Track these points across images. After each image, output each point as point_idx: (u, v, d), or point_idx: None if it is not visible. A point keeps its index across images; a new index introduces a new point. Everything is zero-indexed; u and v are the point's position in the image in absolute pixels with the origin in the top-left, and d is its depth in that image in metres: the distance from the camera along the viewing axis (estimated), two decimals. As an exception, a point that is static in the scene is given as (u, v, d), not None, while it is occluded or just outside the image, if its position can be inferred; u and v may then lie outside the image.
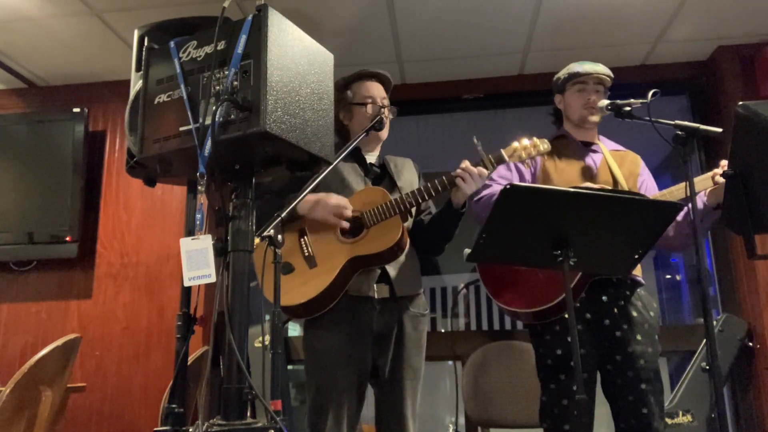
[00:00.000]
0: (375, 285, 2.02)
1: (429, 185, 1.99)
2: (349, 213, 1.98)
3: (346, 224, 1.99)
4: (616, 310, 2.05)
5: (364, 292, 2.00)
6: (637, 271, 2.13)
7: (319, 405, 1.96)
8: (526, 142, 2.03)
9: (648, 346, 2.02)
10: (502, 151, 2.03)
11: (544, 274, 2.04)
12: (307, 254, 1.99)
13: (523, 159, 2.02)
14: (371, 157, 2.22)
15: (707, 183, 2.01)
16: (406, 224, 2.08)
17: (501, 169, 2.24)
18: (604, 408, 2.07)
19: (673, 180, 2.26)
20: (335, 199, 1.99)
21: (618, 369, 2.01)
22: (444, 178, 1.99)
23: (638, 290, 2.11)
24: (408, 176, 2.22)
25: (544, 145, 2.04)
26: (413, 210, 2.13)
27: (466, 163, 1.98)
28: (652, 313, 2.08)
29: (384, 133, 2.19)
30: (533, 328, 2.15)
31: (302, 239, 2.03)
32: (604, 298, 2.06)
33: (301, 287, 1.95)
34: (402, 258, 2.04)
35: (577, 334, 2.01)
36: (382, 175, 2.20)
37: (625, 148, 2.33)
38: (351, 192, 2.07)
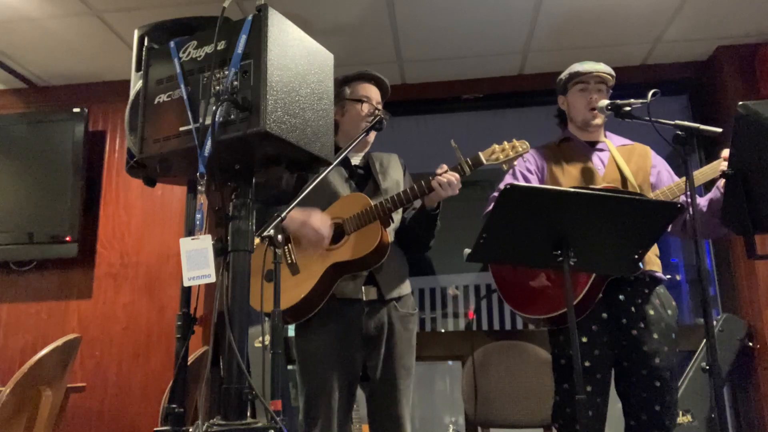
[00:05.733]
0: (363, 287, 2.03)
1: (408, 190, 2.00)
2: (326, 239, 1.98)
3: (325, 243, 2.00)
4: (633, 308, 2.05)
5: (352, 294, 2.02)
6: (657, 267, 2.13)
7: (311, 406, 1.98)
8: (504, 143, 2.02)
9: (664, 344, 2.02)
10: (480, 154, 2.02)
11: (559, 278, 2.05)
12: (290, 261, 2.01)
13: (501, 161, 2.00)
14: (356, 159, 2.22)
15: (715, 171, 2.00)
16: (391, 225, 2.10)
17: (508, 177, 2.24)
18: (613, 409, 2.07)
19: (672, 180, 2.25)
20: (316, 221, 1.98)
21: (633, 367, 2.02)
22: (422, 182, 2.00)
23: (657, 288, 2.11)
24: (393, 175, 2.22)
25: (522, 146, 2.02)
26: (398, 211, 2.13)
27: (444, 168, 1.97)
28: (670, 312, 2.08)
29: (372, 137, 2.19)
30: (550, 329, 2.16)
31: (285, 247, 2.04)
32: (621, 297, 2.06)
33: (285, 294, 1.96)
34: (388, 259, 2.04)
35: (592, 334, 2.03)
36: (366, 177, 2.20)
37: (632, 142, 2.32)
38: (336, 196, 2.08)
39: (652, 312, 2.05)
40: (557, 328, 2.10)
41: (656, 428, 1.98)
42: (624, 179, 2.15)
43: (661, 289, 2.12)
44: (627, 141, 2.31)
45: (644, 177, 2.20)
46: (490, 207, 2.23)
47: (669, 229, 2.11)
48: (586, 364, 1.99)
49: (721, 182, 1.99)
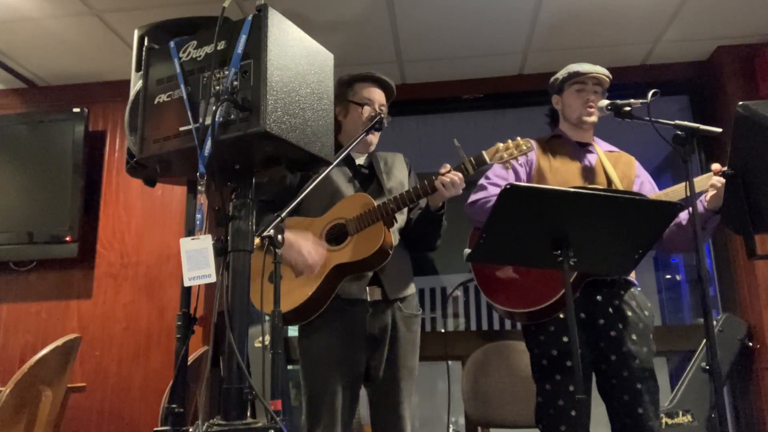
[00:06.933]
0: (367, 288, 2.03)
1: (411, 190, 1.99)
2: (315, 271, 1.97)
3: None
4: (610, 309, 2.05)
5: (356, 295, 2.01)
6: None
7: (314, 406, 1.97)
8: (509, 142, 2.01)
9: (643, 345, 2.02)
10: (484, 153, 2.01)
11: (539, 274, 2.04)
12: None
13: (505, 160, 1.99)
14: (360, 159, 2.22)
15: (704, 184, 2.00)
16: (397, 225, 2.10)
17: (497, 168, 2.23)
18: (602, 408, 2.07)
19: (673, 180, 2.25)
20: (308, 250, 1.97)
21: (613, 369, 2.01)
22: (426, 182, 1.99)
23: (632, 290, 2.11)
24: (398, 175, 2.21)
25: (527, 144, 2.01)
26: (403, 210, 2.13)
27: (447, 168, 1.97)
28: (646, 313, 2.08)
29: (376, 139, 2.19)
30: (527, 328, 2.15)
31: None
32: (599, 297, 2.06)
33: (288, 295, 1.96)
34: (393, 259, 2.04)
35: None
36: (370, 177, 2.20)
37: (619, 150, 2.33)
38: (339, 196, 2.08)
39: (630, 313, 2.04)
40: (535, 324, 2.09)
41: (641, 431, 1.97)
42: (610, 183, 2.16)
43: (636, 290, 2.12)
44: (614, 148, 2.33)
45: (628, 185, 2.20)
46: (477, 197, 2.21)
47: None
48: (567, 363, 1.99)
49: (707, 196, 1.99)
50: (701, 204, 2.00)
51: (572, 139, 2.27)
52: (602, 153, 2.24)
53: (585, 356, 2.03)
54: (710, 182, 1.95)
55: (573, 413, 1.95)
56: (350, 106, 2.18)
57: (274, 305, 1.45)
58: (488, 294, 2.14)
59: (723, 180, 1.86)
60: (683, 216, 2.06)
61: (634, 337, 2.01)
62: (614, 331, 2.02)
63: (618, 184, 2.15)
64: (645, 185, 2.24)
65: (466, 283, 5.18)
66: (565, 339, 2.01)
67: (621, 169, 2.23)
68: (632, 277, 2.13)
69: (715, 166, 1.94)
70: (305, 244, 1.97)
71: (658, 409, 2.00)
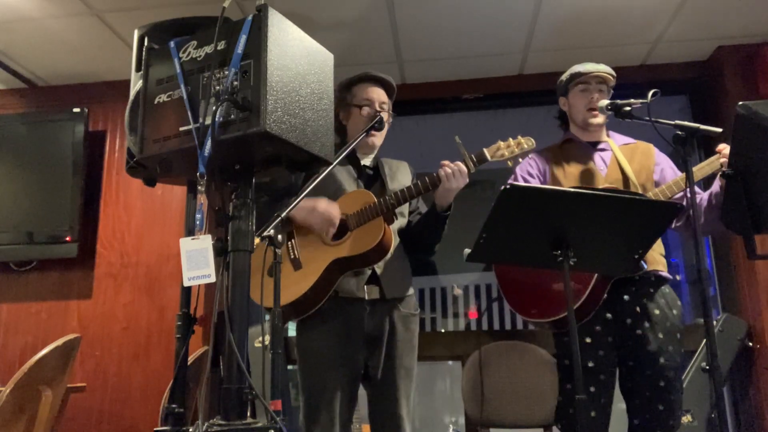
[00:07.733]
0: (365, 286, 2.03)
1: (412, 186, 1.99)
2: (335, 224, 1.99)
3: (332, 232, 2.00)
4: (638, 308, 2.05)
5: (354, 293, 2.01)
6: (663, 267, 2.13)
7: (312, 405, 1.98)
8: (510, 140, 2.01)
9: (669, 344, 2.02)
10: (485, 150, 2.01)
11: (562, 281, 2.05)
12: (293, 257, 2.02)
13: (506, 158, 2.00)
14: (366, 160, 2.23)
15: (715, 166, 2.00)
16: (396, 224, 2.10)
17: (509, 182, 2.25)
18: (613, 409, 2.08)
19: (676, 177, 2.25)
20: (324, 206, 1.98)
21: (637, 366, 2.02)
22: (426, 178, 1.99)
23: (662, 287, 2.11)
24: (402, 179, 2.22)
25: (528, 143, 2.01)
26: (403, 210, 2.14)
27: (446, 162, 1.97)
28: (675, 311, 2.08)
29: (378, 140, 2.19)
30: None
31: (289, 242, 2.05)
32: (626, 297, 2.06)
33: (287, 289, 1.96)
34: (392, 259, 2.04)
35: (596, 335, 2.03)
36: (375, 177, 2.21)
37: (635, 141, 2.31)
38: (342, 193, 2.09)
39: (657, 311, 2.05)
40: (561, 331, 2.10)
41: (660, 428, 1.98)
42: (626, 179, 2.15)
43: (667, 288, 2.12)
44: (630, 140, 2.31)
45: (647, 175, 2.19)
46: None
47: (672, 225, 2.11)
48: (590, 364, 1.98)
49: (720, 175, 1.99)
50: (717, 185, 2.01)
51: (583, 140, 2.27)
52: (617, 148, 2.23)
53: (608, 358, 2.03)
54: (720, 162, 1.96)
55: (592, 414, 1.96)
56: (351, 109, 2.20)
57: (274, 305, 1.45)
58: (514, 306, 2.15)
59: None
60: (704, 197, 2.08)
61: (660, 335, 2.02)
62: (640, 329, 2.03)
63: (634, 179, 2.14)
64: (666, 171, 2.23)
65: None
66: (588, 340, 2.01)
67: (638, 160, 2.22)
68: (664, 272, 2.13)
69: (721, 146, 1.94)
70: (321, 201, 1.97)
71: (680, 408, 2.01)
